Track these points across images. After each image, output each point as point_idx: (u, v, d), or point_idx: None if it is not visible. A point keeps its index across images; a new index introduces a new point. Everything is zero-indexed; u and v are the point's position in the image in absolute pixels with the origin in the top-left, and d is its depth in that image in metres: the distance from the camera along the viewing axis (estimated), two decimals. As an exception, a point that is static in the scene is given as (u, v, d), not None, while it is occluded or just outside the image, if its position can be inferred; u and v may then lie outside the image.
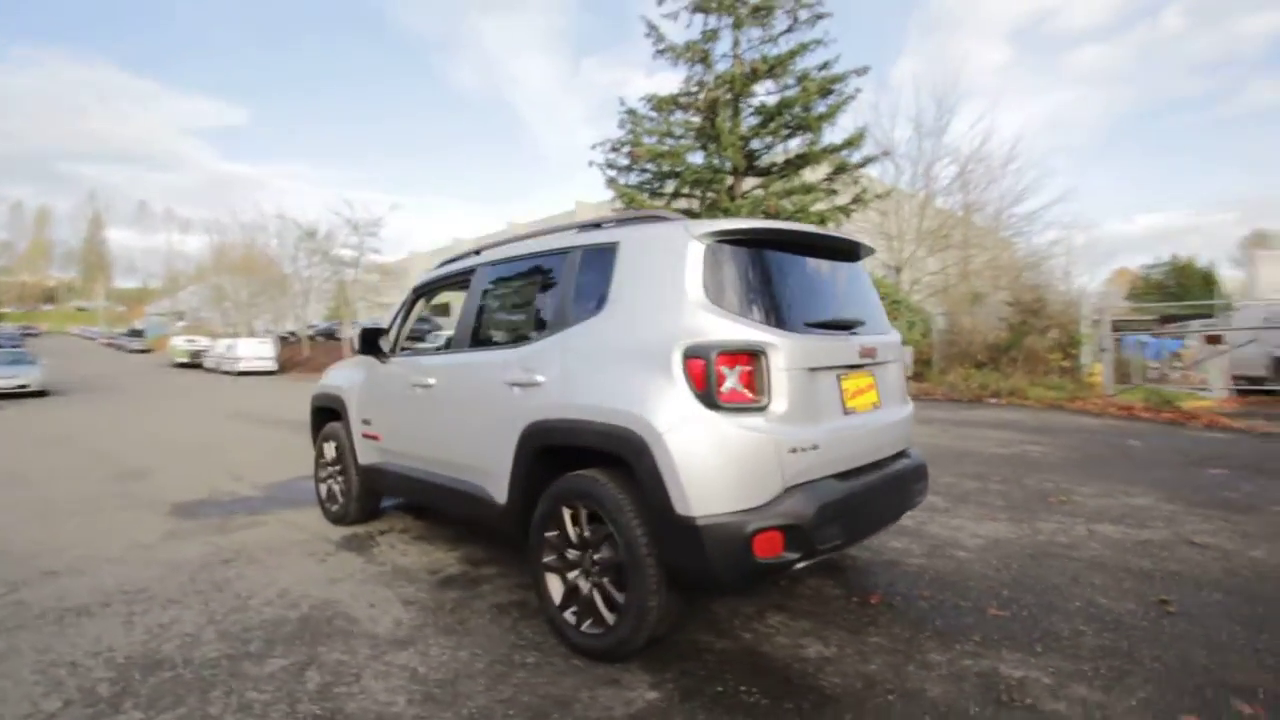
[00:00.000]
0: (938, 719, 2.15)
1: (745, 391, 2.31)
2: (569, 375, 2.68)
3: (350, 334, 28.57)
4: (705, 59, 21.12)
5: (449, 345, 3.63)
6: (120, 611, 3.09)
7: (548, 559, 2.76)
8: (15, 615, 3.06)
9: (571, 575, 2.66)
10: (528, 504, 2.85)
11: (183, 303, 53.02)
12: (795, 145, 20.73)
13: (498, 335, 3.27)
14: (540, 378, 2.79)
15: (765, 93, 20.39)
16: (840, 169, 19.07)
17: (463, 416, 3.24)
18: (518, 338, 3.12)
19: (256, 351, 26.40)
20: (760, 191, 20.71)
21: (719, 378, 2.28)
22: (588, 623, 2.58)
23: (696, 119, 21.12)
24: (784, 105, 19.31)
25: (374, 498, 4.43)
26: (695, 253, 2.47)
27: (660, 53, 21.92)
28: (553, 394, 2.72)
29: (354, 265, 28.82)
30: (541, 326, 2.96)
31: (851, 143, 18.93)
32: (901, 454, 3.01)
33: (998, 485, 5.32)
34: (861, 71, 18.73)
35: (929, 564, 3.55)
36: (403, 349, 4.00)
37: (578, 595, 2.62)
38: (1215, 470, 5.79)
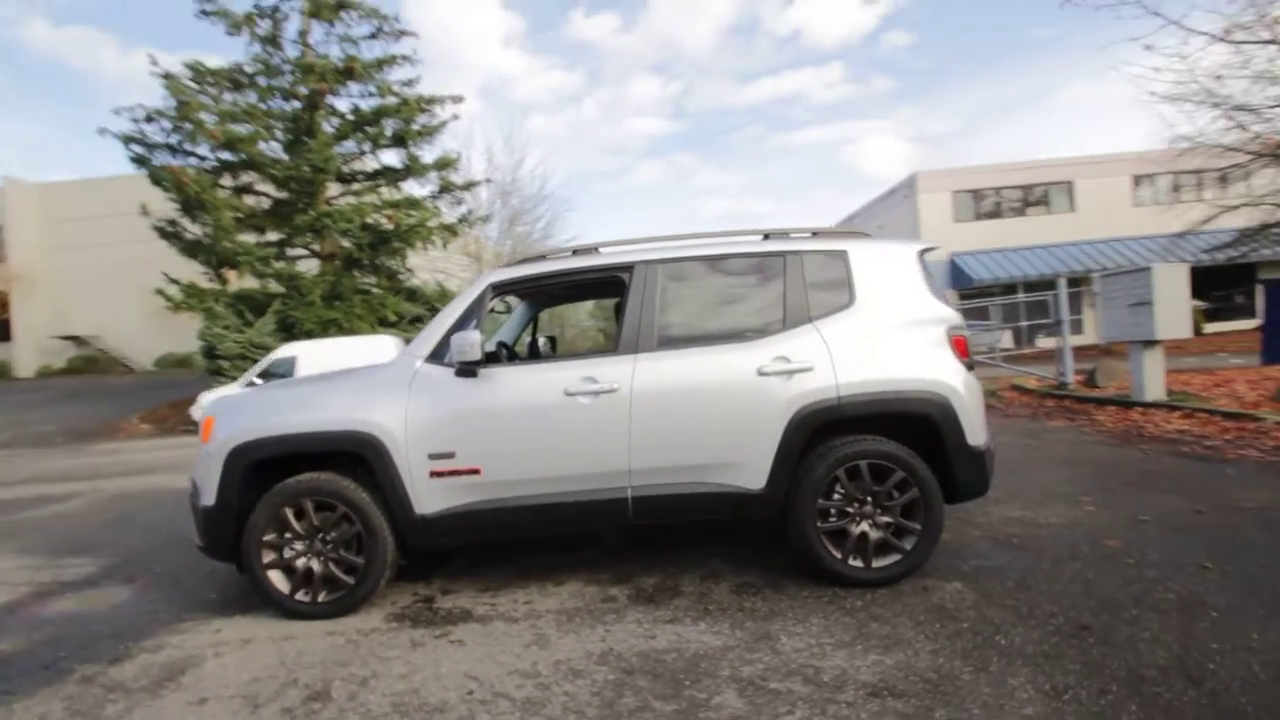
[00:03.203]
0: (1020, 537, 3.67)
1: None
2: (844, 358, 3.14)
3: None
4: (274, 39, 18.44)
5: (612, 346, 3.28)
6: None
7: (821, 524, 3.13)
8: None
9: (855, 526, 3.14)
10: (794, 482, 3.13)
11: None
12: (389, 158, 20.09)
13: (712, 331, 3.26)
14: (809, 363, 3.13)
15: (357, 95, 19.07)
16: (446, 188, 19.47)
17: (693, 415, 3.11)
18: (748, 331, 3.25)
19: None
20: (352, 199, 19.31)
21: (967, 348, 3.27)
22: (878, 559, 3.13)
23: (264, 104, 18.16)
24: (381, 114, 18.53)
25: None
26: (918, 262, 3.37)
27: (207, 14, 18.05)
28: (827, 376, 3.12)
29: None
30: (779, 319, 3.23)
31: (447, 164, 19.54)
32: None
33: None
34: (457, 99, 19.51)
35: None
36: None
37: (865, 540, 3.13)
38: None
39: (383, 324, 17.65)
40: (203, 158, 17.61)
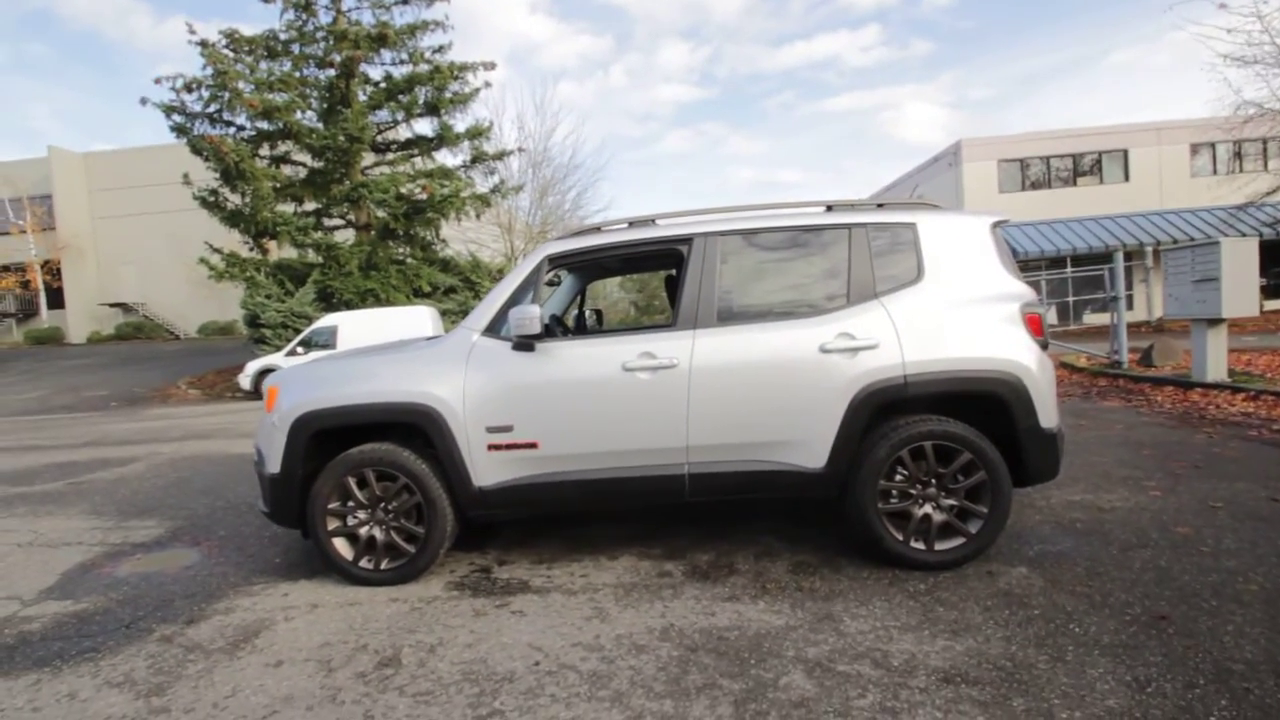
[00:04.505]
0: (1084, 522, 3.56)
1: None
2: (911, 336, 3.04)
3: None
4: (308, 5, 18.38)
5: (669, 321, 3.23)
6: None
7: (883, 505, 3.07)
8: None
9: (918, 508, 3.07)
10: (855, 462, 3.07)
11: None
12: (421, 127, 20.03)
13: (773, 306, 3.18)
14: (873, 341, 3.04)
15: (390, 63, 18.98)
16: (479, 158, 19.37)
17: (753, 392, 3.06)
18: (810, 307, 3.16)
19: None
20: (386, 169, 19.37)
21: (1042, 326, 3.14)
22: (941, 542, 3.07)
23: (298, 72, 18.19)
24: (413, 81, 18.42)
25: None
26: (990, 235, 3.22)
27: (242, -20, 18.00)
28: (893, 354, 3.03)
29: None
30: (843, 295, 3.14)
31: (479, 133, 19.39)
32: None
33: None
34: (489, 65, 19.27)
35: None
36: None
37: (928, 522, 3.07)
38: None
39: (417, 294, 17.84)
40: (241, 127, 17.80)
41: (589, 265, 4.08)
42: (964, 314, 3.10)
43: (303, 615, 2.97)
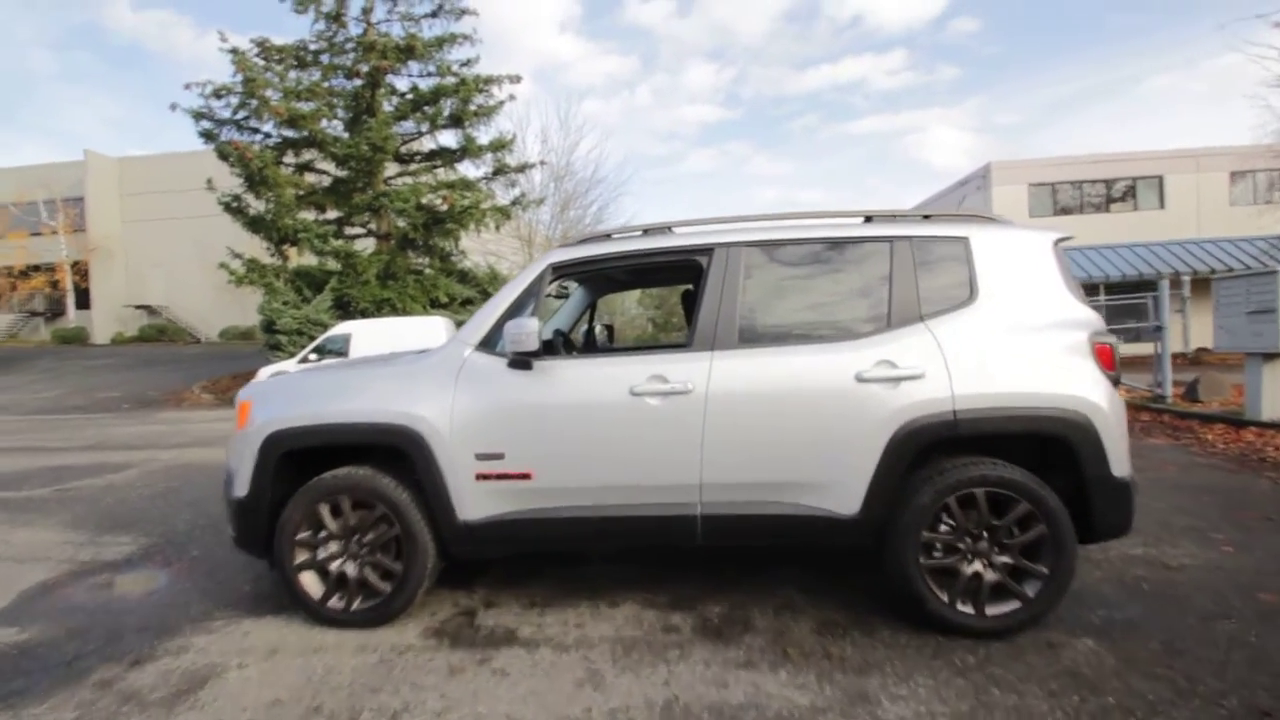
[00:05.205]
0: (1151, 582, 3.10)
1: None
2: (962, 365, 2.64)
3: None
4: (338, 17, 18.50)
5: (684, 341, 2.88)
6: None
7: (925, 560, 2.66)
8: None
9: (967, 566, 2.66)
10: (894, 509, 2.67)
11: None
12: (445, 139, 20.01)
13: (803, 327, 2.82)
14: (918, 370, 2.65)
15: (417, 74, 19.04)
16: (500, 170, 19.28)
17: (777, 424, 2.68)
18: (846, 329, 2.79)
19: None
20: (409, 179, 19.35)
21: (1114, 358, 2.73)
22: (993, 606, 2.64)
23: (326, 82, 18.28)
24: (439, 93, 18.41)
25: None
26: (1053, 253, 2.83)
27: (276, -9, 18.25)
28: (940, 386, 2.63)
29: None
30: (883, 316, 2.76)
31: (502, 145, 19.30)
32: None
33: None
34: (515, 79, 19.23)
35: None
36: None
37: (978, 582, 2.65)
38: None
39: (434, 305, 17.68)
40: (267, 134, 17.89)
41: (598, 276, 3.74)
42: (1024, 342, 2.70)
43: (258, 663, 2.62)
